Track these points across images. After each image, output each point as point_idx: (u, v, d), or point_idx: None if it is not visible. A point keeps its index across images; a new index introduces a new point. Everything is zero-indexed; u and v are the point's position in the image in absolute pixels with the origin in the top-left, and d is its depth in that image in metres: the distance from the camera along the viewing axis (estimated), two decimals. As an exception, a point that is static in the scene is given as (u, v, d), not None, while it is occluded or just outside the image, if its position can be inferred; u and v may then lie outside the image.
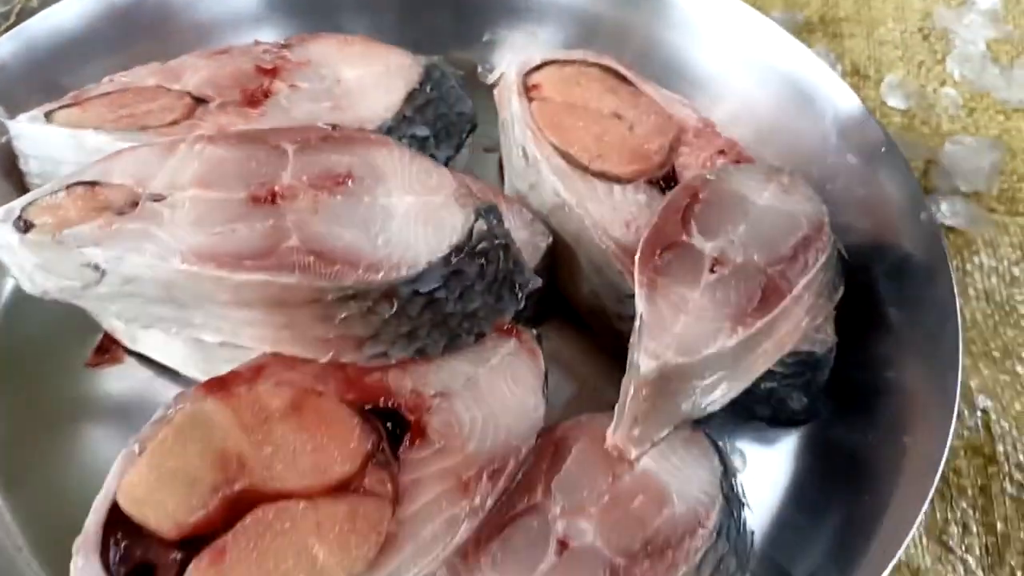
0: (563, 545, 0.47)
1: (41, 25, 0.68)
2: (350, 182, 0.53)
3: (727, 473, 0.51)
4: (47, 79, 0.66)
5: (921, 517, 0.45)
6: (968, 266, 0.68)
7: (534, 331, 0.57)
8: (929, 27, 0.83)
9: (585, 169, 0.62)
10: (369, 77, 0.69)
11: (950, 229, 0.70)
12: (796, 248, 0.53)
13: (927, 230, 0.57)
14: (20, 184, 0.64)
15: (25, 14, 0.84)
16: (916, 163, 0.74)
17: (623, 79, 0.68)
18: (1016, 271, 0.68)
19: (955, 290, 0.53)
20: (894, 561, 0.44)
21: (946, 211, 0.71)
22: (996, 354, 0.63)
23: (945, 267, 0.54)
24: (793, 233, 0.53)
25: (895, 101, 0.79)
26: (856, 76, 0.80)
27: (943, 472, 0.57)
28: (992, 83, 0.80)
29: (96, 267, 0.49)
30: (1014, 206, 0.72)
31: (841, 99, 0.64)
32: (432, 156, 0.67)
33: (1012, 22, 0.84)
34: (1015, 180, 0.73)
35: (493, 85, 0.69)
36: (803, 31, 0.83)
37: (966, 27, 0.83)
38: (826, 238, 0.54)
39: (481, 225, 0.52)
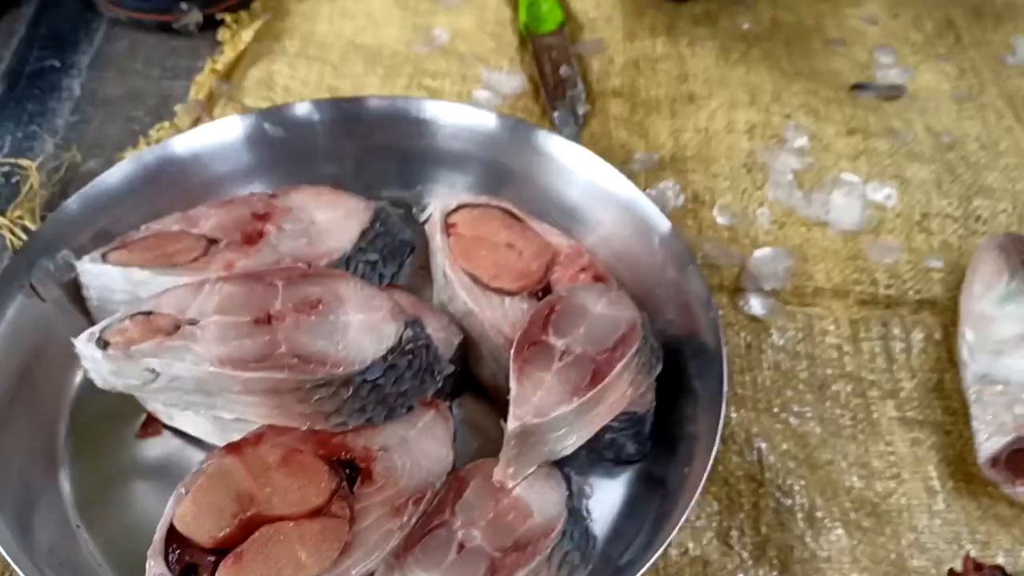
0: (461, 546, 0.70)
1: (94, 188, 0.91)
2: (321, 306, 0.78)
3: (571, 496, 0.75)
4: (100, 228, 0.89)
5: (688, 511, 0.69)
6: (764, 345, 0.94)
7: (448, 403, 0.82)
8: (752, 162, 1.09)
9: (486, 286, 0.85)
10: (334, 219, 0.92)
11: (754, 318, 0.96)
12: (616, 342, 0.78)
13: (713, 324, 0.83)
14: (84, 309, 0.86)
15: (72, 168, 1.08)
16: (734, 268, 1.00)
17: (516, 217, 0.94)
18: (799, 348, 0.93)
19: (724, 366, 0.78)
20: (671, 536, 0.68)
21: (754, 305, 0.97)
22: (775, 409, 0.88)
23: (719, 351, 0.79)
24: (615, 332, 0.79)
25: (723, 220, 1.05)
26: (696, 202, 1.06)
27: (728, 493, 0.83)
28: (797, 203, 1.06)
29: (153, 371, 0.72)
30: (802, 299, 0.98)
31: (663, 229, 0.90)
32: (380, 274, 0.92)
33: (813, 156, 1.11)
34: (804, 279, 0.99)
35: (425, 222, 0.96)
36: (658, 168, 1.08)
37: (780, 161, 1.10)
38: (637, 334, 0.79)
39: (408, 332, 0.76)
